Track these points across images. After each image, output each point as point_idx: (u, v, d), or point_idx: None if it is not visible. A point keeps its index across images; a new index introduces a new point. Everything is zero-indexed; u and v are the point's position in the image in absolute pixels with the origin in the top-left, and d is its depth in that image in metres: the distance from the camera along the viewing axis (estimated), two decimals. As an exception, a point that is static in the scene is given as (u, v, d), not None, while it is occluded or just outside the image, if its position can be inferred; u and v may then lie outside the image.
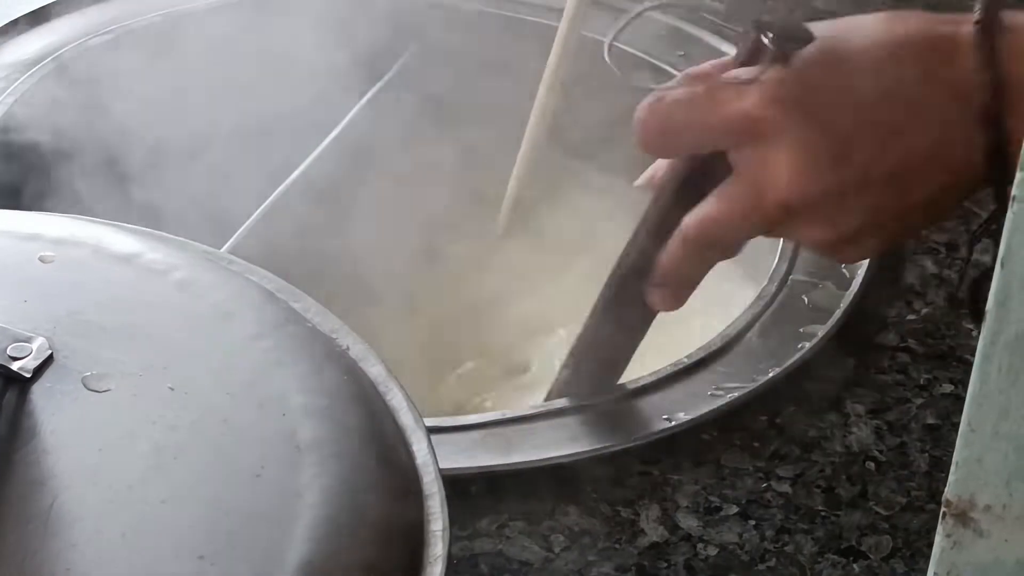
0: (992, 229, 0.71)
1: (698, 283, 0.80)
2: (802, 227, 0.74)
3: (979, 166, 0.70)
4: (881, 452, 0.85)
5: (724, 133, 0.73)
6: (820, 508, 0.82)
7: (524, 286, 1.17)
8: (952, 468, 0.58)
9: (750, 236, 0.76)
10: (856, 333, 0.93)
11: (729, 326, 0.92)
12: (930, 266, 0.99)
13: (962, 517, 0.58)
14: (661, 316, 0.83)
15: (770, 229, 0.75)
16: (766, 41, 0.72)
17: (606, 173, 1.20)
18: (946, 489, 0.59)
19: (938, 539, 0.59)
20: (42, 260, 0.72)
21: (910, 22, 0.73)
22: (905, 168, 0.71)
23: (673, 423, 0.85)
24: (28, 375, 0.64)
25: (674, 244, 0.77)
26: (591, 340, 0.86)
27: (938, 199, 0.73)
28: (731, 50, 1.19)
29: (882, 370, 0.91)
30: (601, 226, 1.13)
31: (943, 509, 0.59)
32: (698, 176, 0.77)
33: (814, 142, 0.71)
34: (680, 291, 0.80)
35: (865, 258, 0.91)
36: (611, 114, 1.09)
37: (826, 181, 0.71)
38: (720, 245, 0.77)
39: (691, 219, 0.76)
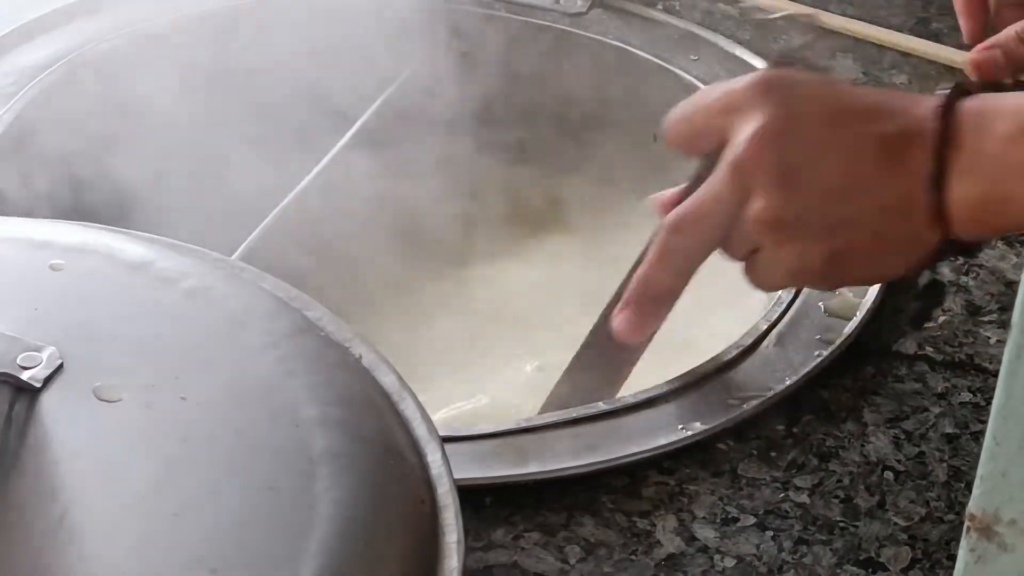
0: None
1: (666, 302, 0.79)
2: (757, 200, 0.73)
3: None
4: (899, 462, 0.84)
5: (718, 112, 0.75)
6: (838, 519, 0.81)
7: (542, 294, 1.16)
8: (976, 482, 0.57)
9: (719, 219, 0.75)
10: (873, 341, 0.92)
11: (745, 334, 0.91)
12: (947, 273, 0.98)
13: (986, 531, 0.57)
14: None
15: (729, 203, 0.74)
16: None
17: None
18: (970, 503, 0.58)
19: (961, 553, 0.59)
20: (53, 268, 0.71)
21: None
22: (854, 178, 0.73)
23: (689, 432, 0.84)
24: (38, 385, 0.64)
25: (649, 248, 0.78)
26: (590, 353, 0.86)
27: (884, 229, 0.73)
28: (744, 54, 1.19)
29: (900, 378, 0.90)
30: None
31: (967, 523, 0.58)
32: None
33: (780, 117, 0.73)
34: (646, 309, 0.79)
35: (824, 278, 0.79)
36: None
37: (782, 150, 0.73)
38: (690, 229, 0.76)
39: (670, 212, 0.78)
